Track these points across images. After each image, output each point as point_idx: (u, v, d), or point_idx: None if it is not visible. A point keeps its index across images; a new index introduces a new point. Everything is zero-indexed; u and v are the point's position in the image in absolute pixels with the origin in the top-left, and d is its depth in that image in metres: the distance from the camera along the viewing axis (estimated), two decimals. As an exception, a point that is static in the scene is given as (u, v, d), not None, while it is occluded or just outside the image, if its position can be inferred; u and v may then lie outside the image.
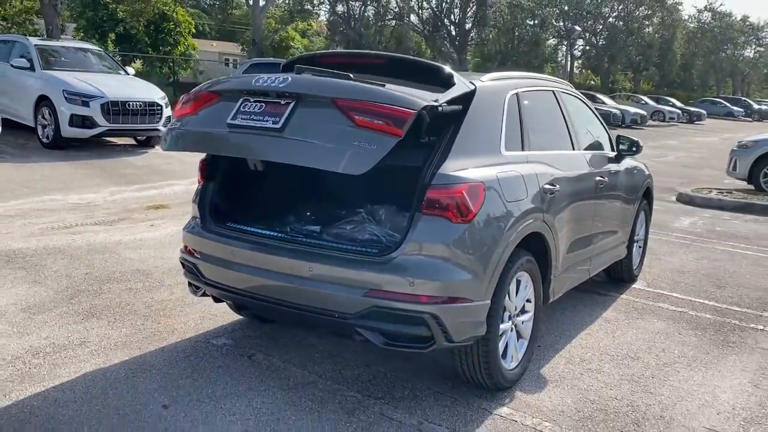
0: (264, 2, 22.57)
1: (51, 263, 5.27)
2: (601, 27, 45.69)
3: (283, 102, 3.06)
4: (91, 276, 5.05)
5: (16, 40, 12.00)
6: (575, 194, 4.09)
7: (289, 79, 3.10)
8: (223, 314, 4.36)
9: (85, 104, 10.33)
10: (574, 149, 4.35)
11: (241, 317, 4.26)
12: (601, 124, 5.08)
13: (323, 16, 30.06)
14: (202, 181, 3.67)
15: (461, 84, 3.32)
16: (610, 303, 5.13)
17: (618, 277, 5.59)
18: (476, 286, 3.07)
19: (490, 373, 3.33)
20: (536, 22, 36.24)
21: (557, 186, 3.75)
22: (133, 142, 12.03)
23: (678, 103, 39.95)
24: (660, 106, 37.36)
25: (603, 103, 30.46)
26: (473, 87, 3.39)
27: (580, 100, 4.86)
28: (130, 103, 10.69)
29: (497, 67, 38.20)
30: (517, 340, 3.62)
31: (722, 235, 8.13)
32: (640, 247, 5.87)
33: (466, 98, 3.32)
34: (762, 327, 4.82)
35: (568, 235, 3.99)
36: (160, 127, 10.82)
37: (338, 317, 3.04)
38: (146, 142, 11.73)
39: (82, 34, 31.11)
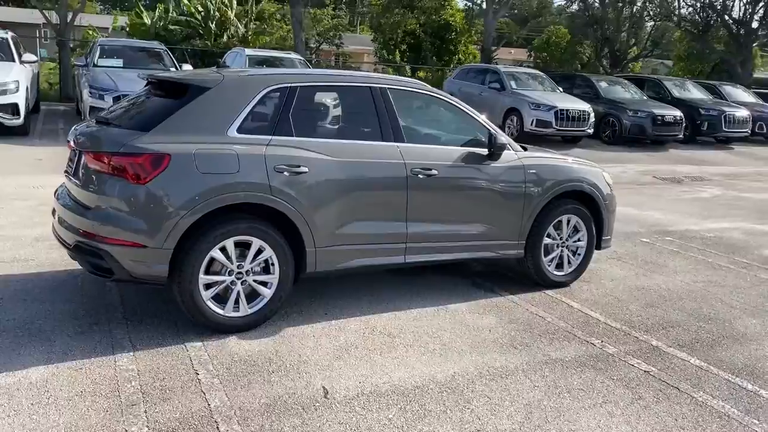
0: (496, 8, 23.12)
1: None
2: None
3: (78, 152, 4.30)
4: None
5: (490, 69, 16.47)
6: (357, 179, 4.50)
7: (77, 131, 4.30)
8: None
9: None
10: (384, 141, 4.68)
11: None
12: (484, 125, 5.16)
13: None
14: None
15: (195, 86, 4.22)
16: (478, 297, 5.19)
17: (529, 277, 5.53)
18: (150, 235, 3.90)
19: (192, 313, 4.10)
20: None
21: (305, 168, 4.28)
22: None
23: None
24: None
25: None
26: (213, 84, 4.22)
27: (447, 101, 5.16)
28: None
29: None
30: (253, 296, 4.27)
31: (802, 265, 6.87)
32: (579, 254, 5.66)
33: (197, 92, 4.16)
34: (593, 341, 4.50)
35: (339, 215, 4.43)
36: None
37: (70, 250, 4.17)
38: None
39: (378, 45, 35.29)
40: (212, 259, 4.11)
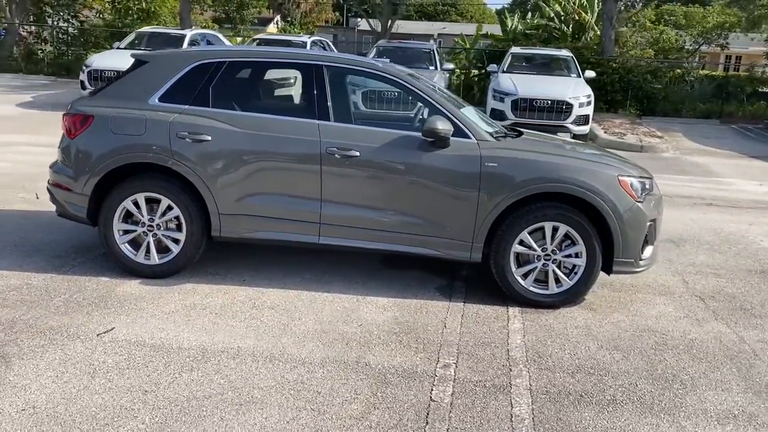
0: None
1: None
2: None
3: None
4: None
5: None
6: (262, 152, 4.62)
7: None
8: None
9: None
10: (305, 118, 4.65)
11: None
12: (441, 110, 4.67)
13: None
14: None
15: (139, 60, 4.92)
16: (420, 297, 4.74)
17: (498, 287, 4.81)
18: (74, 180, 4.74)
19: (110, 254, 4.84)
20: None
21: (208, 136, 4.60)
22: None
23: None
24: None
25: None
26: (143, 59, 4.89)
27: (404, 84, 4.84)
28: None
29: None
30: (163, 249, 4.80)
31: None
32: (575, 273, 4.68)
33: (136, 66, 4.88)
34: (445, 360, 3.81)
35: (243, 185, 4.62)
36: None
37: None
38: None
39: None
40: (130, 210, 4.74)
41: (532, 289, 4.69)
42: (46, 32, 23.24)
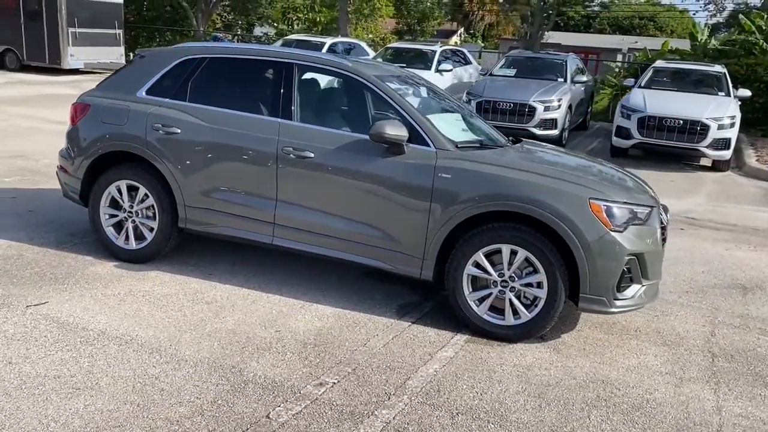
0: None
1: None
2: None
3: None
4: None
5: None
6: (223, 147, 4.65)
7: None
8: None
9: None
10: (268, 116, 4.61)
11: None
12: (404, 114, 4.37)
13: None
14: None
15: (139, 54, 5.21)
16: (371, 312, 4.48)
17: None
18: (71, 163, 5.09)
19: (98, 240, 5.15)
20: None
21: (178, 129, 4.73)
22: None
23: None
24: None
25: None
26: (142, 54, 5.15)
27: (372, 86, 4.59)
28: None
29: None
30: (142, 236, 5.02)
31: None
32: (536, 305, 4.14)
33: (136, 59, 5.17)
34: (325, 380, 3.54)
35: (206, 179, 4.68)
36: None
37: None
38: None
39: None
40: (114, 195, 5.01)
41: (486, 317, 4.22)
42: (227, 39, 25.54)
